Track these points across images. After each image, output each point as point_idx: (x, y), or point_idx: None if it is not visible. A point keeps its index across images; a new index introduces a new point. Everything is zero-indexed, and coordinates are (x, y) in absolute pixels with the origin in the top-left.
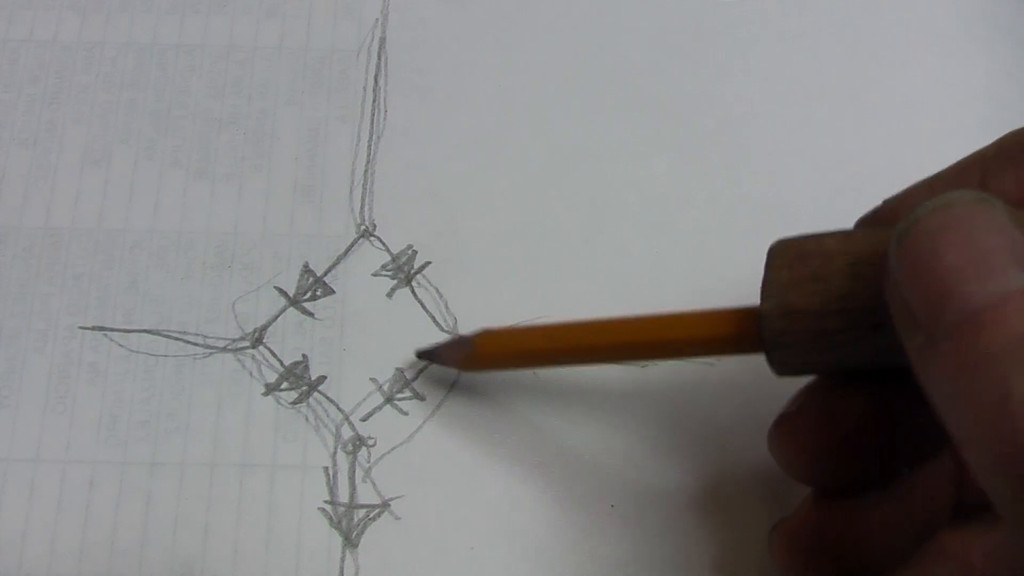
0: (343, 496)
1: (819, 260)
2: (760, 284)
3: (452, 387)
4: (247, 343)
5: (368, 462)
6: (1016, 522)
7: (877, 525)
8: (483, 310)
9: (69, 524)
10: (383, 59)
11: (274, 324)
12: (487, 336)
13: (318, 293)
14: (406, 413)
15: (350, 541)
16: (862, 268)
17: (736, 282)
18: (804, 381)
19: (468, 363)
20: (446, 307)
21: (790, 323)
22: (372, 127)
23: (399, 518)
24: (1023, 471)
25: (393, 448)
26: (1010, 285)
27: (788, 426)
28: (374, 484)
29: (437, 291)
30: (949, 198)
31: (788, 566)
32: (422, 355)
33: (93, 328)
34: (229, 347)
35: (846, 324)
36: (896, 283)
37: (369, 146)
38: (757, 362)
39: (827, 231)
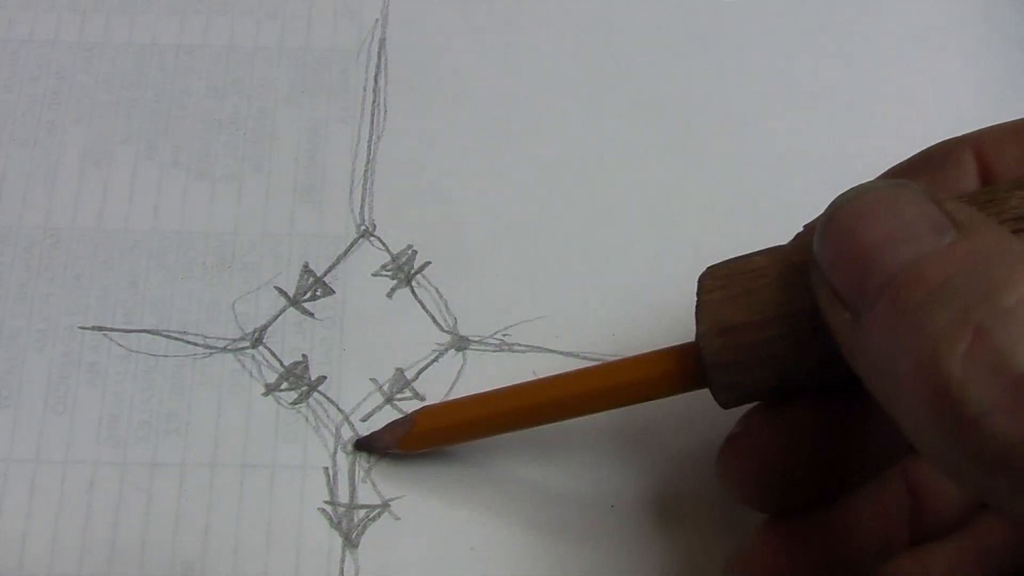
0: (343, 496)
1: (749, 275)
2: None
3: (452, 387)
4: (247, 343)
5: (368, 462)
6: (946, 462)
7: (832, 548)
8: (483, 310)
9: (69, 524)
10: (383, 59)
11: (274, 324)
12: (425, 413)
13: (318, 293)
14: (406, 413)
15: (350, 541)
16: (793, 276)
17: None
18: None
19: (409, 444)
20: (446, 307)
21: (728, 339)
22: (372, 127)
23: (399, 518)
24: (951, 409)
25: None
26: (924, 248)
27: (734, 447)
28: (374, 484)
29: (437, 291)
30: (867, 185)
31: None
32: (361, 445)
33: (93, 328)
34: (229, 347)
35: (783, 330)
36: (821, 271)
37: (369, 146)
38: None
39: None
